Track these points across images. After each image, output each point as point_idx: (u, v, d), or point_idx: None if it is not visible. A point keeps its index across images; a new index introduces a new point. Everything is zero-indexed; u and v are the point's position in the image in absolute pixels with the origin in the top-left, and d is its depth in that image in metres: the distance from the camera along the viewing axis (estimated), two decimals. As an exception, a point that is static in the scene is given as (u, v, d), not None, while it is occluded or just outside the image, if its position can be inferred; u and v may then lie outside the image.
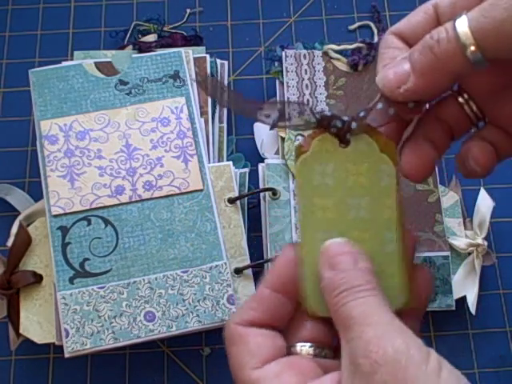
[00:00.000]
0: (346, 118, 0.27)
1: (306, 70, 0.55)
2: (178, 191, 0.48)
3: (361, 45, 0.56)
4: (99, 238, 0.47)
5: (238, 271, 0.47)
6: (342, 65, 0.55)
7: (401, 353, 0.22)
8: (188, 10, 0.62)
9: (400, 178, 0.28)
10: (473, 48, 0.24)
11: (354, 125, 0.27)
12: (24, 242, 0.48)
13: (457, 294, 0.49)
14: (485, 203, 0.51)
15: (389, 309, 0.25)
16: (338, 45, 0.56)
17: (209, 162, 0.50)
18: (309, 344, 0.27)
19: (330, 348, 0.28)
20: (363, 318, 0.24)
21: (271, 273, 0.28)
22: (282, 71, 0.55)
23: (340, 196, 0.28)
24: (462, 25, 0.24)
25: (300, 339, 0.28)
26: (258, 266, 0.49)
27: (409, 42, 0.29)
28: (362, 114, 0.28)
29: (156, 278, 0.46)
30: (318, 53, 0.55)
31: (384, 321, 0.24)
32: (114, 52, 0.54)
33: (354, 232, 0.28)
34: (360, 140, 0.28)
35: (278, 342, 0.28)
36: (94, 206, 0.47)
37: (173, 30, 0.60)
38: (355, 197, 0.27)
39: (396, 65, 0.27)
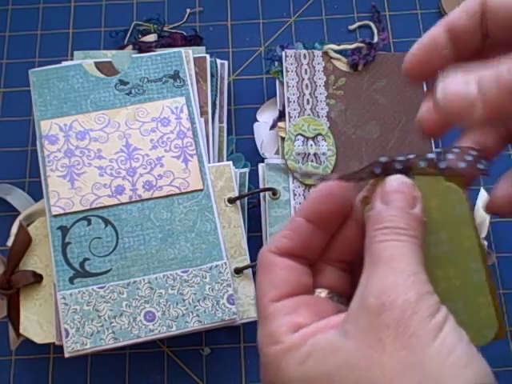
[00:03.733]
0: (402, 158, 0.27)
1: (306, 70, 0.55)
2: (177, 191, 0.48)
3: (361, 45, 0.56)
4: (99, 237, 0.47)
5: (238, 271, 0.47)
6: (342, 65, 0.55)
7: (409, 304, 0.23)
8: (188, 10, 0.62)
9: (471, 204, 0.27)
10: None
11: (421, 164, 0.27)
12: (24, 242, 0.48)
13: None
14: (485, 203, 0.51)
15: (420, 262, 0.25)
16: (338, 45, 0.56)
17: (209, 162, 0.50)
18: (326, 291, 0.28)
19: (345, 297, 0.28)
20: (390, 261, 0.24)
21: (307, 204, 0.28)
22: (281, 71, 0.55)
23: None
24: None
25: (319, 285, 0.28)
26: (258, 265, 0.49)
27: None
28: (430, 156, 0.27)
29: (156, 278, 0.46)
30: (318, 53, 0.55)
31: (409, 270, 0.24)
32: (114, 52, 0.54)
33: (439, 270, 0.27)
34: (423, 176, 0.27)
35: (304, 278, 0.28)
36: (94, 205, 0.47)
37: (173, 30, 0.60)
38: (432, 233, 0.27)
39: (457, 79, 0.25)
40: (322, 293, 0.28)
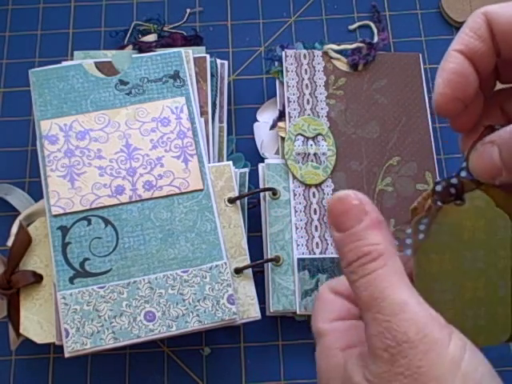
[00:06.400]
0: (455, 181, 0.28)
1: (306, 70, 0.55)
2: (178, 191, 0.48)
3: (361, 45, 0.56)
4: (99, 237, 0.47)
5: (238, 271, 0.47)
6: (342, 65, 0.55)
7: (415, 348, 0.22)
8: (188, 10, 0.62)
9: None
10: None
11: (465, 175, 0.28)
12: (24, 242, 0.48)
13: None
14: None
15: (400, 278, 0.24)
16: (338, 45, 0.56)
17: (209, 162, 0.50)
18: None
19: None
20: (372, 304, 0.23)
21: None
22: (281, 71, 0.55)
23: (456, 249, 0.28)
24: None
25: None
26: (257, 265, 0.49)
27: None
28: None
29: (156, 278, 0.46)
30: (318, 53, 0.55)
31: (397, 305, 0.23)
32: (114, 52, 0.54)
33: (469, 282, 0.28)
34: (476, 198, 0.28)
35: (353, 309, 0.29)
36: (94, 205, 0.47)
37: (173, 30, 0.60)
38: (471, 250, 0.28)
39: (484, 153, 0.26)
40: None
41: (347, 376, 0.25)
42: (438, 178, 0.29)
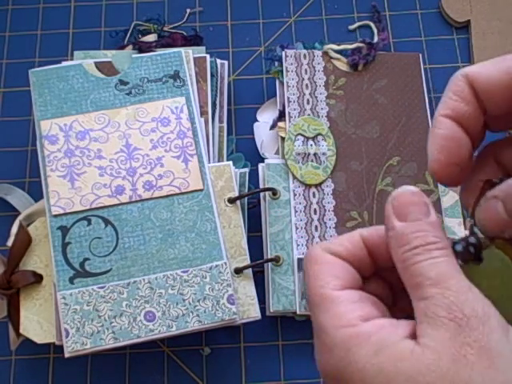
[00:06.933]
0: (474, 240, 0.28)
1: (306, 70, 0.55)
2: (178, 191, 0.48)
3: (361, 45, 0.56)
4: (99, 237, 0.47)
5: (238, 271, 0.47)
6: (342, 65, 0.55)
7: (483, 324, 0.23)
8: (188, 10, 0.62)
9: None
10: None
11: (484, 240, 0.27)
12: (24, 242, 0.48)
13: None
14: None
15: (462, 273, 0.25)
16: (338, 45, 0.56)
17: (209, 162, 0.50)
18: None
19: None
20: (440, 281, 0.24)
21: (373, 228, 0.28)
22: (281, 71, 0.55)
23: None
24: None
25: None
26: (257, 265, 0.49)
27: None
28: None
29: (156, 278, 0.46)
30: (318, 53, 0.55)
31: (463, 287, 0.24)
32: (114, 52, 0.54)
33: None
34: (492, 256, 0.28)
35: (357, 277, 0.28)
36: (94, 205, 0.47)
37: (173, 30, 0.60)
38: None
39: (489, 208, 0.26)
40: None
41: (386, 341, 0.24)
42: (456, 237, 0.28)
